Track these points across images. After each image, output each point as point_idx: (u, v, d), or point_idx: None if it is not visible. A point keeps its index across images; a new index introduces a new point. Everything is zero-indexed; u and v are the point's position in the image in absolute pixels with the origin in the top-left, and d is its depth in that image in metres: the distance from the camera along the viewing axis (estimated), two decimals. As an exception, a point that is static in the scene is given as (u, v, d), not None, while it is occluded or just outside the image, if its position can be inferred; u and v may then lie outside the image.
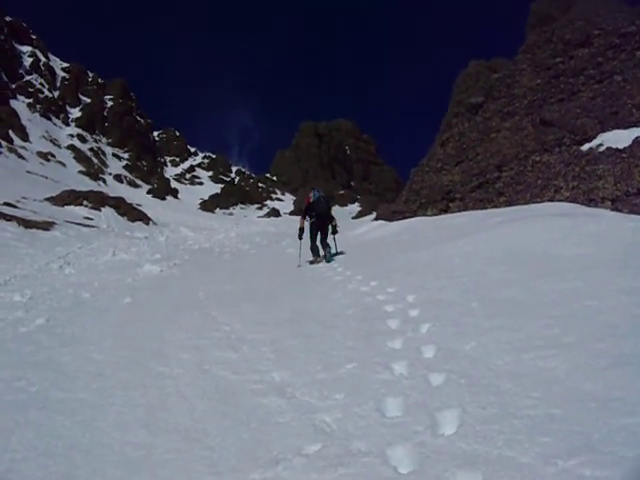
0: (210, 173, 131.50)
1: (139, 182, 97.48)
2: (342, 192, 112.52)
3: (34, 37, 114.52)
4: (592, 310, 4.21)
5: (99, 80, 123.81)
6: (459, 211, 19.14)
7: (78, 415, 4.35)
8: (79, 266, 16.66)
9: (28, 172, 62.00)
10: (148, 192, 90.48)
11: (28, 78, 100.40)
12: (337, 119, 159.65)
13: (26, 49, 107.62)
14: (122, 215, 44.53)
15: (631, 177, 13.31)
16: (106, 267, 16.49)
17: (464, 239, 9.55)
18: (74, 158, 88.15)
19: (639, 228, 7.42)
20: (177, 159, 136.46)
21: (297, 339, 5.53)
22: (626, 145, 14.56)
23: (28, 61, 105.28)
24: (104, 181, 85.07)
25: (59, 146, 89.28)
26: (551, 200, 15.09)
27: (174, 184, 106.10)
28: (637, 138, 14.36)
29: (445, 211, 20.92)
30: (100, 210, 42.40)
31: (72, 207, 40.62)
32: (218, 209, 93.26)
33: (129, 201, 53.23)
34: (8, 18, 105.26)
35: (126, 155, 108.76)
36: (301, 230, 13.49)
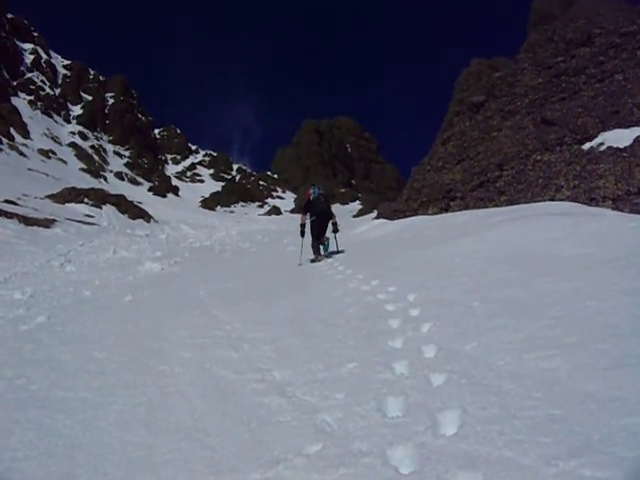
0: (211, 171, 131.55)
1: (140, 180, 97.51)
2: (343, 190, 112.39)
3: (35, 34, 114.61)
4: (593, 310, 4.21)
5: (100, 77, 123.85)
6: (460, 210, 19.13)
7: (79, 414, 4.36)
8: (80, 264, 16.68)
9: (29, 169, 62.03)
10: (149, 190, 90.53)
11: (29, 75, 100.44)
12: (338, 117, 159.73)
13: (27, 46, 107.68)
14: (123, 213, 44.53)
15: (632, 176, 13.30)
16: (107, 265, 16.50)
17: (465, 238, 9.55)
18: (75, 155, 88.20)
19: (640, 228, 7.41)
20: (178, 157, 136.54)
21: (298, 338, 5.52)
22: (627, 144, 14.56)
23: (29, 58, 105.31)
24: (105, 179, 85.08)
25: (60, 143, 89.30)
26: (552, 199, 15.09)
27: (175, 182, 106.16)
28: (638, 137, 14.35)
29: (446, 210, 20.92)
30: (101, 208, 42.40)
31: (73, 205, 40.59)
32: (219, 207, 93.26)
33: (130, 199, 53.27)
34: (10, 15, 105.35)
35: (127, 153, 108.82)
36: (302, 226, 13.50)
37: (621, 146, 14.71)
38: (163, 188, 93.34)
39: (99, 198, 44.46)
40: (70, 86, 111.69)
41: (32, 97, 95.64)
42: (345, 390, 3.91)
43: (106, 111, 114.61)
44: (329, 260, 12.04)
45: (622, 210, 12.08)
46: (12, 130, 76.68)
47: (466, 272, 6.83)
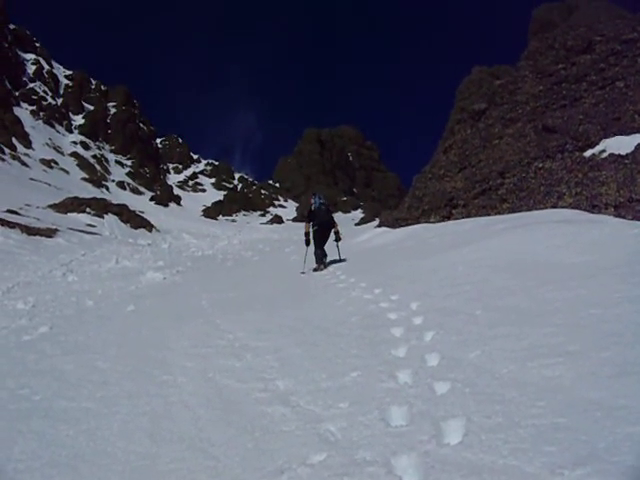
0: (213, 180, 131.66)
1: (142, 189, 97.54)
2: (345, 199, 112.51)
3: (37, 45, 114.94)
4: (596, 318, 4.20)
5: (102, 87, 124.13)
6: (462, 218, 19.12)
7: (82, 424, 4.35)
8: (82, 273, 16.67)
9: (31, 179, 62.09)
10: (151, 199, 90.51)
11: (31, 85, 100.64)
12: (340, 126, 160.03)
13: (29, 57, 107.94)
14: (125, 222, 44.53)
15: (634, 183, 13.29)
16: (109, 274, 16.49)
17: (467, 246, 9.55)
18: (77, 165, 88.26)
19: (643, 235, 7.40)
20: (180, 166, 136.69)
21: (301, 347, 5.52)
22: (629, 151, 14.55)
23: (31, 69, 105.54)
24: (107, 188, 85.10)
25: (62, 153, 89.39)
26: (554, 207, 15.08)
27: (177, 191, 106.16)
28: (640, 144, 14.36)
29: (448, 218, 20.91)
30: (103, 217, 42.41)
31: (75, 214, 40.61)
32: (221, 216, 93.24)
33: (132, 208, 53.28)
34: (12, 26, 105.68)
35: (129, 162, 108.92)
36: (307, 235, 13.31)
37: (623, 153, 14.70)
38: (165, 197, 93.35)
39: (101, 208, 44.49)
40: (72, 96, 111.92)
41: (34, 107, 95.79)
42: (349, 399, 3.91)
43: (108, 121, 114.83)
44: (331, 269, 12.04)
45: (624, 217, 12.05)
46: (14, 140, 76.80)
47: (468, 280, 6.83)
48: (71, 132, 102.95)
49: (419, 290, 7.10)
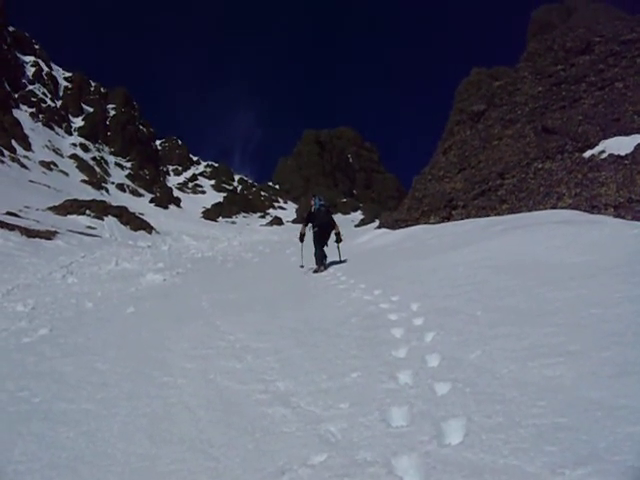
0: (213, 182, 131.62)
1: (142, 191, 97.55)
2: (344, 200, 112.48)
3: (37, 47, 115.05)
4: (597, 318, 4.20)
5: (101, 89, 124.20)
6: (462, 219, 19.12)
7: (82, 426, 4.35)
8: (82, 276, 16.67)
9: (31, 181, 62.10)
10: (151, 201, 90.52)
11: (31, 88, 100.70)
12: (339, 127, 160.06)
13: (29, 59, 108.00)
14: (125, 224, 44.58)
15: (633, 184, 13.29)
16: (109, 276, 16.49)
17: (467, 247, 9.55)
18: (77, 167, 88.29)
19: (643, 235, 7.40)
20: (179, 168, 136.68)
21: (301, 348, 5.52)
22: (628, 152, 14.55)
23: (31, 71, 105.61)
24: (107, 190, 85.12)
25: (62, 155, 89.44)
26: (554, 207, 15.08)
27: (176, 193, 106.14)
28: (639, 144, 14.35)
29: (448, 219, 20.90)
30: (103, 219, 42.48)
31: (75, 216, 40.67)
32: (221, 218, 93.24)
33: (132, 210, 53.33)
34: (11, 28, 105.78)
35: (128, 164, 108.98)
36: (302, 234, 13.90)
37: (622, 153, 14.70)
38: (165, 199, 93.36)
39: (101, 210, 44.54)
40: (71, 98, 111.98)
41: (33, 109, 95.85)
42: (349, 400, 3.91)
43: (107, 123, 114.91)
44: (331, 270, 12.03)
45: (624, 218, 12.05)
46: (14, 142, 76.81)
47: (468, 281, 6.82)
48: (70, 134, 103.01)
49: (419, 291, 7.10)
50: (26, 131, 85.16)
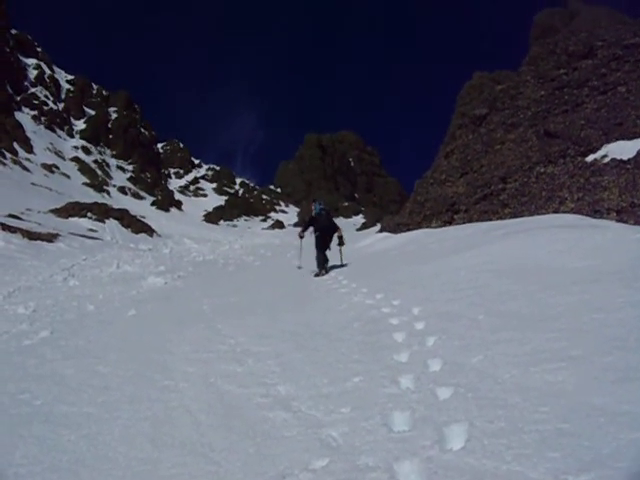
0: (214, 185, 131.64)
1: (143, 194, 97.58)
2: (346, 204, 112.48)
3: (39, 50, 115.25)
4: (599, 323, 4.19)
5: (103, 92, 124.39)
6: (464, 223, 19.13)
7: (83, 429, 4.34)
8: (83, 278, 16.67)
9: (33, 184, 62.11)
10: (152, 204, 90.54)
11: (33, 90, 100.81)
12: (341, 131, 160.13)
13: (31, 61, 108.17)
14: (126, 227, 44.56)
15: (636, 188, 13.28)
16: (110, 279, 16.49)
17: (469, 251, 9.54)
18: (78, 170, 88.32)
19: (645, 240, 7.39)
20: (181, 171, 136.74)
21: (302, 352, 5.51)
22: (630, 156, 14.56)
23: (33, 73, 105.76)
24: (108, 193, 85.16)
25: (63, 158, 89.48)
26: (556, 212, 15.08)
27: (178, 196, 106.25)
28: (641, 149, 14.35)
29: (449, 223, 20.91)
30: (104, 222, 42.45)
31: (76, 219, 40.64)
32: (222, 221, 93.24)
33: (133, 213, 53.34)
34: (14, 31, 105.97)
35: (130, 167, 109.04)
36: (300, 237, 14.30)
37: (625, 158, 14.71)
38: (166, 202, 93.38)
39: (102, 212, 44.52)
40: (73, 101, 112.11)
41: (36, 112, 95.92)
42: (350, 404, 3.90)
43: (109, 126, 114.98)
44: (333, 274, 12.03)
45: (626, 222, 12.05)
46: (15, 145, 76.86)
47: (470, 285, 6.81)
48: (72, 137, 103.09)
49: (421, 295, 7.09)
50: (28, 134, 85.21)
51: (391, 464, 2.94)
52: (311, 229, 13.43)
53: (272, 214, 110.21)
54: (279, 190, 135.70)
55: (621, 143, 15.93)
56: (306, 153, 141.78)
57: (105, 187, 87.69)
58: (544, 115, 21.39)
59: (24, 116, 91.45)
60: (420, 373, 4.21)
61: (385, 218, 32.97)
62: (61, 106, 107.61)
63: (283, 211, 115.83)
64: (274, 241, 44.19)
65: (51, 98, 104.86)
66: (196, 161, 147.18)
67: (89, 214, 42.57)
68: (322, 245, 12.99)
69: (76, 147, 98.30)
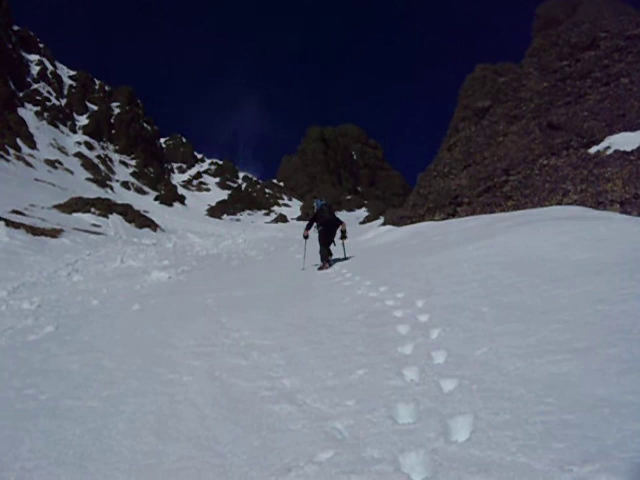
0: (217, 179, 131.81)
1: (146, 189, 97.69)
2: (349, 197, 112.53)
3: (41, 46, 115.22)
4: (603, 314, 4.18)
5: (106, 88, 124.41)
6: (467, 215, 19.09)
7: (89, 423, 4.35)
8: (87, 273, 16.71)
9: (36, 180, 62.18)
10: (155, 199, 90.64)
11: (35, 86, 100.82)
12: (343, 124, 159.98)
13: (33, 57, 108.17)
14: (129, 222, 44.58)
15: (639, 179, 13.25)
16: (114, 274, 16.52)
17: (473, 244, 9.52)
18: (81, 165, 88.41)
19: (649, 231, 7.37)
20: (184, 165, 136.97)
21: (307, 345, 5.51)
22: (634, 147, 14.52)
23: (35, 69, 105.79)
24: (111, 188, 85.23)
25: (66, 153, 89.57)
26: (559, 203, 15.06)
27: (181, 190, 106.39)
28: (645, 140, 14.32)
29: (453, 215, 20.89)
30: (108, 217, 42.47)
31: (80, 214, 40.68)
32: (225, 215, 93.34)
33: (136, 208, 53.36)
34: (16, 27, 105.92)
35: (133, 162, 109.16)
36: (305, 236, 13.96)
37: (628, 149, 14.67)
38: (169, 197, 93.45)
39: (106, 208, 44.54)
40: (76, 96, 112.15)
41: (38, 108, 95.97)
42: (355, 397, 3.90)
43: (112, 121, 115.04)
44: (336, 267, 12.03)
45: (630, 213, 12.03)
46: (19, 141, 76.97)
47: (474, 278, 6.81)
48: (75, 132, 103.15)
49: (425, 287, 7.08)
50: (31, 130, 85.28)
51: (396, 456, 2.94)
52: (315, 224, 13.50)
53: (275, 208, 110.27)
54: (282, 184, 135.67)
55: (624, 134, 15.89)
56: (309, 147, 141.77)
57: (108, 182, 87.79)
58: (547, 107, 21.33)
59: (27, 112, 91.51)
60: (424, 365, 4.22)
61: (388, 211, 32.96)
62: (64, 102, 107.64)
63: (286, 205, 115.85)
64: (277, 235, 44.22)
65: (54, 94, 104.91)
66: (199, 155, 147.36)
67: (92, 209, 42.60)
68: (326, 239, 13.02)
69: (79, 142, 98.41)
